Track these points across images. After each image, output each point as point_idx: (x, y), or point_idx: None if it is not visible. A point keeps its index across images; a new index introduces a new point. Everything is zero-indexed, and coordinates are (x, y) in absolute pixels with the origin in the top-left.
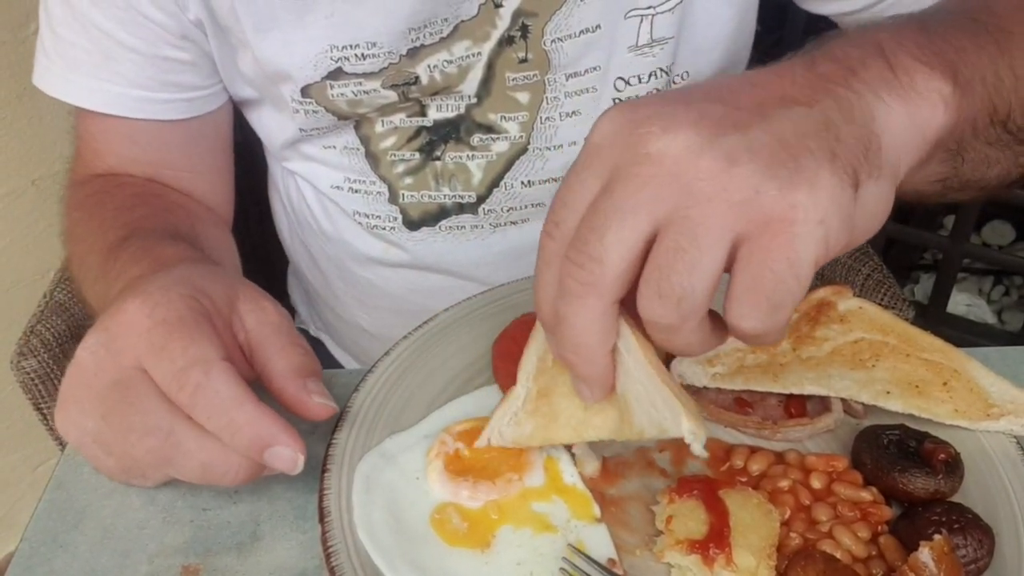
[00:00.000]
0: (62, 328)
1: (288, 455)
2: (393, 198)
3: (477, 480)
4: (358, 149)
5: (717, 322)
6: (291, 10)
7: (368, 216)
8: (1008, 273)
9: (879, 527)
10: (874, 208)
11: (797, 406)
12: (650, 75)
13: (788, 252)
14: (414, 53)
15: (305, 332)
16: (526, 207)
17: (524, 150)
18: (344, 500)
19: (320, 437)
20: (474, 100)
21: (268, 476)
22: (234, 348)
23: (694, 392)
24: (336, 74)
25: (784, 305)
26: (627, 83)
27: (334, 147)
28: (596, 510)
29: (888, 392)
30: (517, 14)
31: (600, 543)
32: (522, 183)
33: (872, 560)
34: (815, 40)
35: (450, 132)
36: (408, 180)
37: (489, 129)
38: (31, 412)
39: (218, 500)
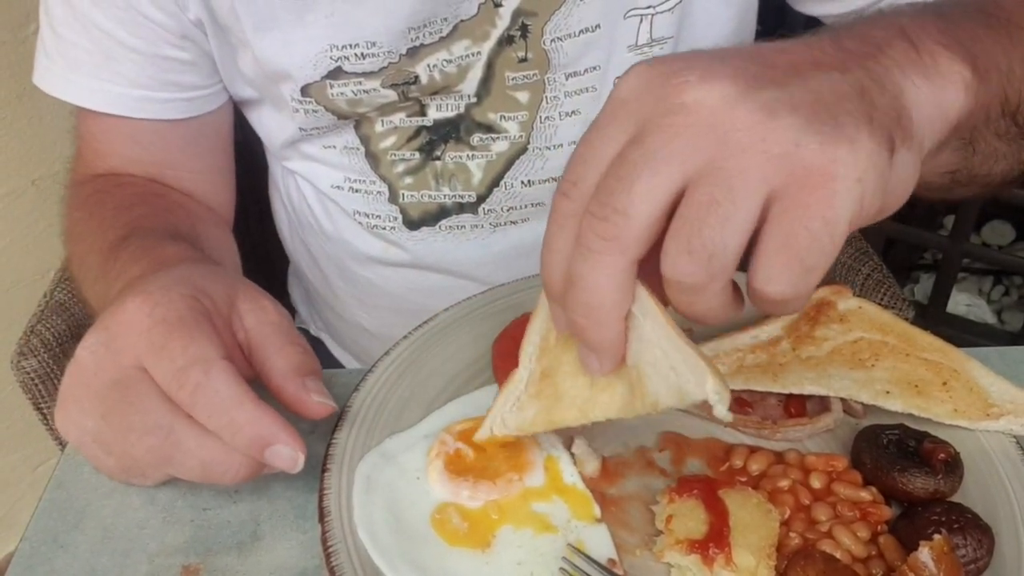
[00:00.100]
0: (62, 328)
1: (288, 454)
2: (393, 198)
3: (477, 480)
4: (358, 149)
5: (735, 292)
6: (291, 10)
7: (368, 216)
8: (1008, 273)
9: (879, 527)
10: (905, 176)
11: (797, 406)
12: None
13: (825, 209)
14: (414, 52)
15: (305, 332)
16: (526, 206)
17: (524, 150)
18: (344, 500)
19: (320, 436)
20: (474, 100)
21: (268, 475)
22: (234, 347)
23: None
24: (336, 73)
25: (816, 268)
26: None
27: (334, 147)
28: (596, 510)
29: (888, 392)
30: (517, 13)
31: (600, 543)
32: (522, 183)
33: (872, 560)
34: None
35: (450, 132)
36: (408, 180)
37: (489, 129)
38: (31, 412)
39: (218, 500)
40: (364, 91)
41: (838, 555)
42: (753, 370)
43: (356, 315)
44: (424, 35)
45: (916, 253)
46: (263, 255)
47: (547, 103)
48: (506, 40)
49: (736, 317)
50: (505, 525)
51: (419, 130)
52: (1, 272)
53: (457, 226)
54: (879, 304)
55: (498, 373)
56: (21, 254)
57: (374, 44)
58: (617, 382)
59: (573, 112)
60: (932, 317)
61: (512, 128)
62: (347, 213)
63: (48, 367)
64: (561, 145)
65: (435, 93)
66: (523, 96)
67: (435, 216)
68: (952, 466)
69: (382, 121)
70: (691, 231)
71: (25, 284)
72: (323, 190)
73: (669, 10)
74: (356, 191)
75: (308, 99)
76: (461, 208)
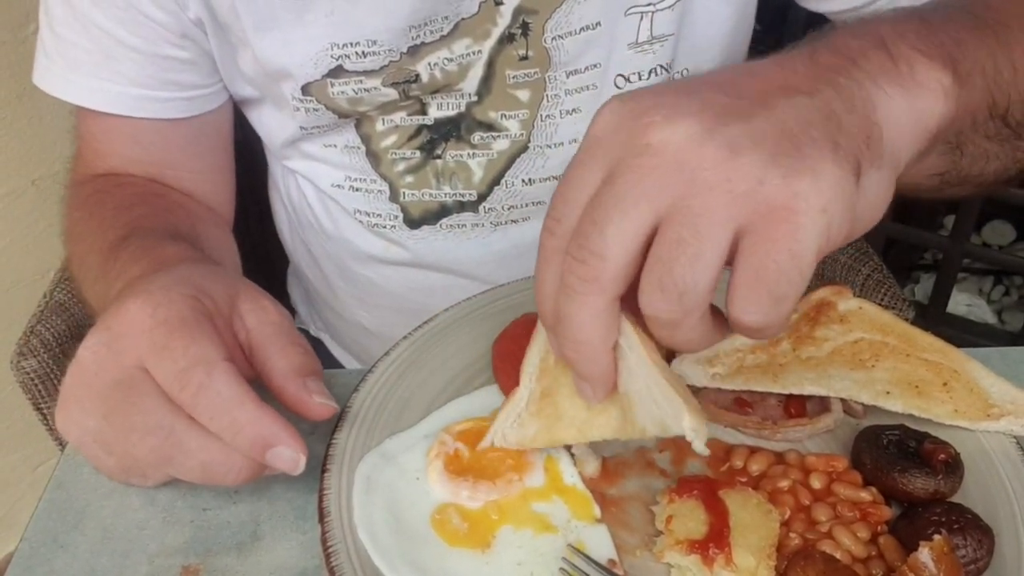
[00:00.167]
0: (62, 328)
1: (289, 455)
2: (394, 196)
3: (477, 480)
4: (359, 148)
5: (718, 317)
6: (291, 8)
7: (369, 214)
8: (1008, 273)
9: (879, 527)
10: (875, 197)
11: (797, 406)
12: (650, 72)
13: (791, 243)
14: (414, 51)
15: (305, 332)
16: (527, 205)
17: (525, 148)
18: (344, 500)
19: (320, 437)
20: (474, 98)
21: (268, 476)
22: (235, 348)
23: (694, 392)
24: (336, 72)
25: (787, 297)
26: (627, 80)
27: (335, 146)
28: (596, 510)
29: (888, 392)
30: (518, 12)
31: (600, 543)
32: (523, 181)
33: (872, 560)
34: (815, 32)
35: (451, 130)
36: (409, 178)
37: (489, 127)
38: (31, 412)
39: (218, 500)
40: (365, 90)
41: (838, 555)
42: (753, 370)
43: (356, 314)
44: (425, 33)
45: (916, 253)
46: (263, 255)
47: (548, 101)
48: (507, 38)
49: (721, 341)
50: (505, 525)
51: (420, 129)
52: (1, 272)
53: (458, 225)
54: (879, 304)
55: (498, 373)
56: (21, 254)
57: (375, 43)
58: (611, 406)
59: (574, 110)
60: (932, 317)
61: (513, 126)
62: (348, 212)
63: (48, 367)
64: (562, 143)
65: (436, 92)
66: (524, 94)
67: (436, 215)
68: (952, 466)
69: (383, 120)
70: (662, 270)
71: (25, 284)
72: (324, 189)
73: (669, 7)
74: (357, 190)
75: (309, 98)
76: (462, 207)
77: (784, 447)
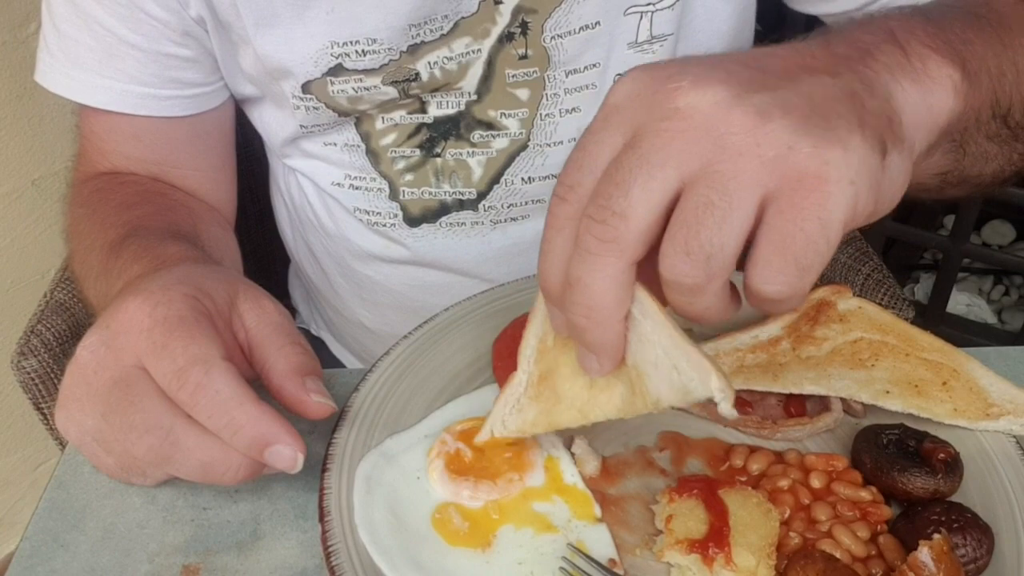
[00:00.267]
0: (62, 328)
1: (288, 454)
2: (394, 195)
3: (478, 480)
4: (359, 146)
5: (732, 291)
6: (291, 6)
7: (369, 213)
8: (1008, 273)
9: (878, 526)
10: (897, 179)
11: (797, 406)
12: None
13: (820, 211)
14: (414, 50)
15: (306, 332)
16: (526, 203)
17: (524, 146)
18: (344, 499)
19: (320, 436)
20: (474, 97)
21: (268, 475)
22: (234, 347)
23: None
24: (337, 70)
25: (812, 267)
26: None
27: (335, 144)
28: (597, 510)
29: (888, 392)
30: (517, 11)
31: (601, 543)
32: (522, 179)
33: (872, 559)
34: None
35: (450, 129)
36: (408, 177)
37: (489, 126)
38: (31, 412)
39: (218, 499)
40: (365, 88)
41: (838, 555)
42: (753, 370)
43: (357, 313)
44: (425, 32)
45: (916, 253)
46: (264, 255)
47: (547, 100)
48: (506, 37)
49: (733, 316)
50: (505, 525)
51: (419, 127)
52: (1, 272)
53: (458, 223)
54: (879, 304)
55: (498, 373)
56: (21, 254)
57: (375, 41)
58: (616, 383)
59: (573, 109)
60: (932, 317)
61: (512, 125)
62: (348, 210)
63: (48, 367)
64: (561, 142)
65: (435, 90)
66: (523, 93)
67: (436, 213)
68: (952, 466)
69: (382, 118)
70: (688, 233)
71: (25, 284)
72: (324, 187)
73: (669, 7)
74: (357, 188)
75: (309, 96)
76: (461, 205)
77: (784, 446)
